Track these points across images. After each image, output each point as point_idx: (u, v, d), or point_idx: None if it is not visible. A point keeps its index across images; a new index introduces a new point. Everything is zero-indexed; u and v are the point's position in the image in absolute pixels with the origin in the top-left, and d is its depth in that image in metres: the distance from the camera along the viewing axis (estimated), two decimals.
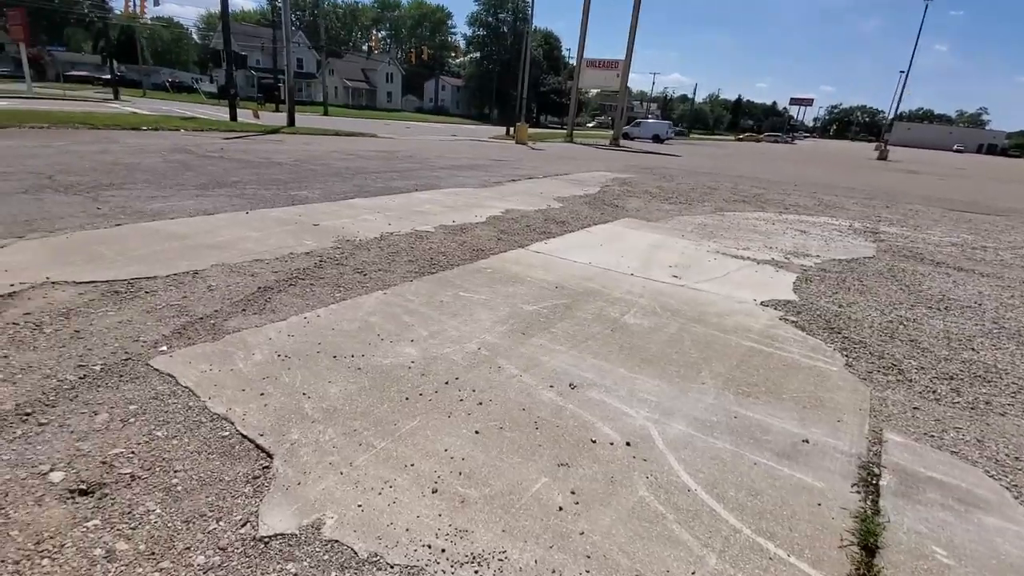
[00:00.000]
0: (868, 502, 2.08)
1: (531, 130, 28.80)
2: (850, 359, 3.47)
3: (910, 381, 3.23)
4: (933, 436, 2.62)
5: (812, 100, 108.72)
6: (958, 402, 3.01)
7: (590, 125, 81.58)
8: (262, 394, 2.50)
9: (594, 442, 2.35)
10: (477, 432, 2.36)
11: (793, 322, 4.09)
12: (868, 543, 1.84)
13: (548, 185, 10.97)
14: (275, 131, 18.39)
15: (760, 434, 2.52)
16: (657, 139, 41.74)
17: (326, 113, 41.64)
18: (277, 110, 34.48)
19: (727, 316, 4.09)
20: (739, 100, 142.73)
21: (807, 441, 2.47)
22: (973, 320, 4.46)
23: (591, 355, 3.25)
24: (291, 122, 21.44)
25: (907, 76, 48.48)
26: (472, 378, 2.84)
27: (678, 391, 2.88)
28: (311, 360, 2.88)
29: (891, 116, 57.49)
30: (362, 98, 77.75)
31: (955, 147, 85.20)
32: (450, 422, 2.42)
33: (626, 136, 36.72)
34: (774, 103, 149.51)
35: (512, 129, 30.62)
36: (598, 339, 3.49)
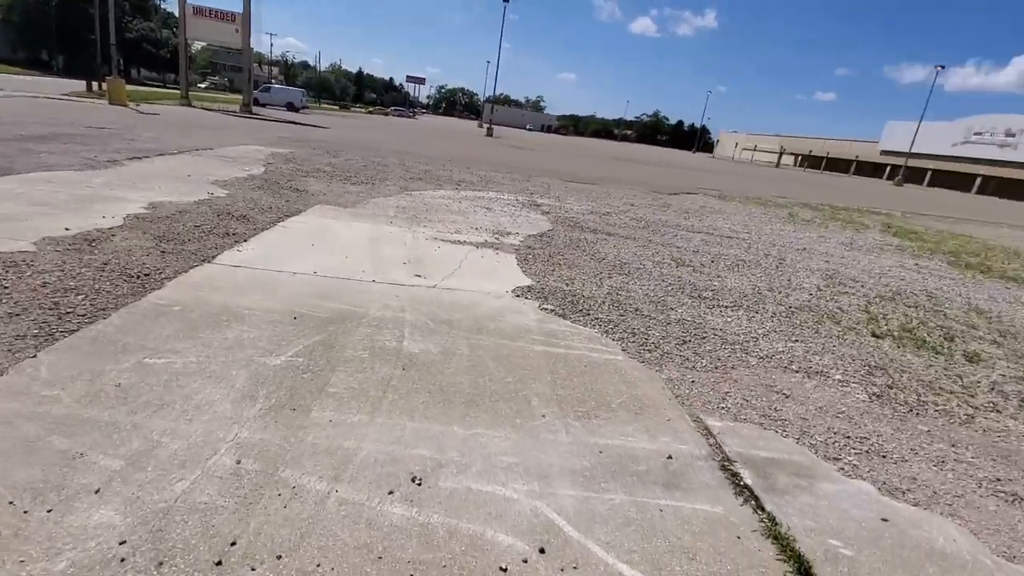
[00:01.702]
0: (759, 511, 2.10)
1: (127, 87, 22.11)
2: (621, 343, 3.66)
3: (665, 353, 3.62)
4: (726, 410, 2.93)
5: (425, 79, 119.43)
6: (706, 365, 3.51)
7: (202, 86, 69.23)
8: None
9: (505, 571, 1.66)
10: None
11: (553, 311, 4.10)
12: (801, 570, 1.81)
13: (195, 164, 8.47)
14: None
15: (633, 464, 2.29)
16: (292, 107, 38.52)
17: None
18: None
19: (500, 318, 3.79)
20: (360, 73, 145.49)
21: (671, 457, 2.38)
22: (650, 281, 5.45)
23: (406, 416, 2.42)
24: None
25: (498, 67, 58.58)
26: (248, 534, 1.68)
27: (530, 439, 2.39)
28: None
29: (484, 99, 68.92)
30: None
31: (527, 126, 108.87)
32: None
33: (256, 103, 32.50)
34: (391, 79, 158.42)
35: (100, 85, 22.98)
36: (397, 389, 2.65)
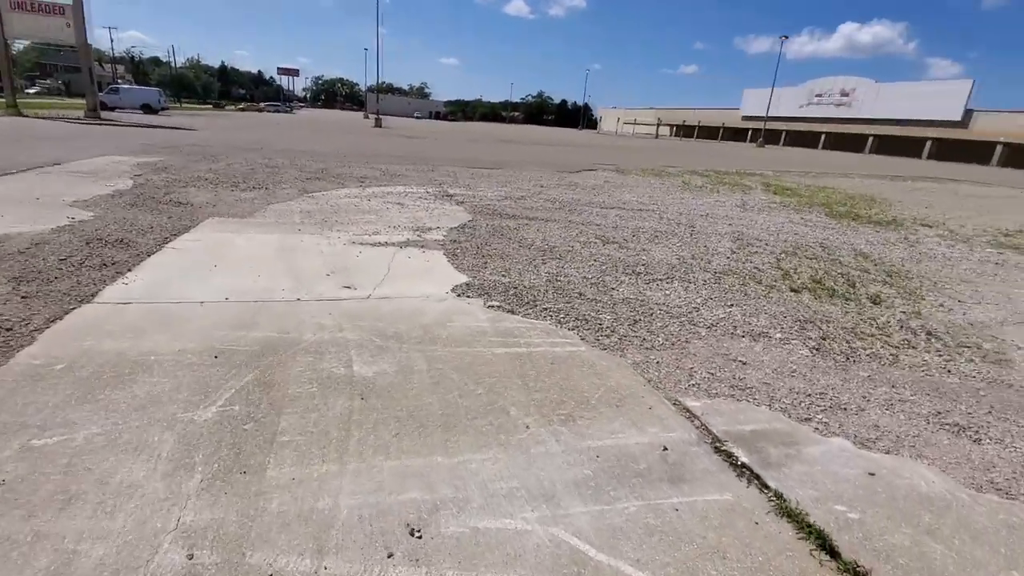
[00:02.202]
0: (764, 490, 2.08)
1: None
2: (577, 332, 3.56)
3: (622, 336, 3.58)
4: (698, 387, 2.93)
5: (299, 71, 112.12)
6: (663, 343, 3.52)
7: (31, 91, 59.59)
8: None
9: None
10: None
11: (500, 307, 3.91)
12: (824, 544, 1.81)
13: (43, 184, 7.15)
14: None
15: (633, 464, 2.19)
16: (149, 109, 34.31)
17: None
18: None
19: (449, 323, 3.53)
20: (224, 67, 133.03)
21: (666, 449, 2.30)
22: (582, 263, 5.42)
23: (380, 455, 2.13)
24: None
25: (379, 54, 56.15)
26: None
27: (521, 456, 2.20)
28: None
29: (366, 88, 66.01)
30: None
31: (415, 114, 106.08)
32: None
33: (104, 107, 28.51)
34: (260, 72, 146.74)
35: None
36: (361, 423, 2.34)
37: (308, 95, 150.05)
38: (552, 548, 1.72)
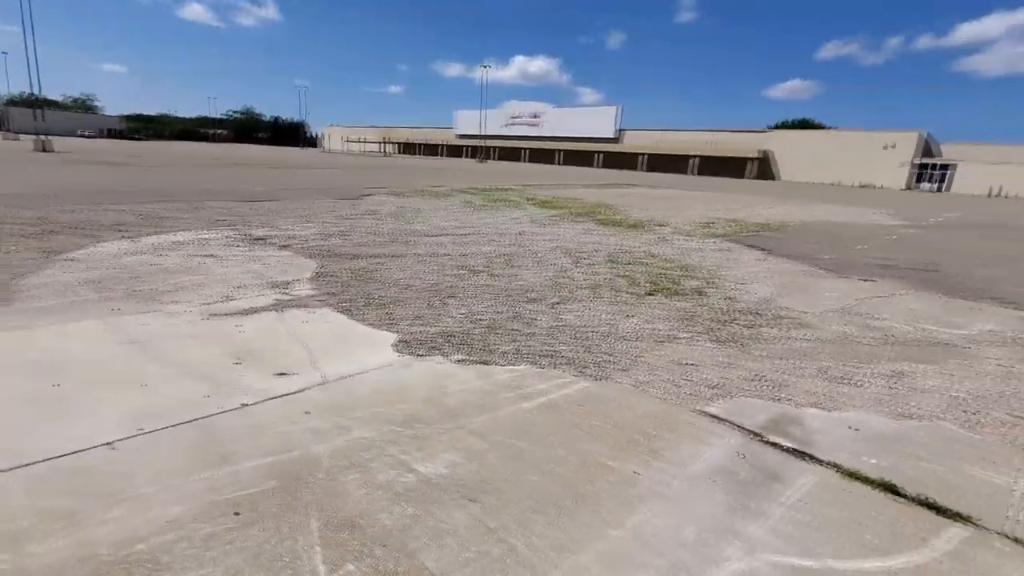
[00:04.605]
0: (833, 467, 2.66)
1: None
2: (562, 370, 3.69)
3: (598, 363, 3.86)
4: (694, 395, 3.42)
5: None
6: (626, 363, 3.93)
7: None
8: None
9: None
10: None
11: (468, 360, 3.75)
12: (897, 492, 2.46)
13: None
14: None
15: (732, 472, 2.52)
16: None
17: None
18: None
19: (445, 390, 3.25)
20: None
21: (741, 455, 2.70)
22: (478, 296, 5.46)
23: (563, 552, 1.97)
24: None
25: (33, 57, 42.34)
26: None
27: (656, 504, 2.31)
28: None
29: (4, 102, 49.66)
30: None
31: (84, 132, 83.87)
32: None
33: None
34: None
35: None
36: (488, 530, 2.09)
37: None
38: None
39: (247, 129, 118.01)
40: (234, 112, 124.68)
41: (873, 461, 2.71)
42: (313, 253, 6.97)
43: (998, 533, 2.23)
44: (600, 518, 2.19)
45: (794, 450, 2.79)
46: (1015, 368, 4.20)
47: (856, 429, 3.05)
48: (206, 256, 6.43)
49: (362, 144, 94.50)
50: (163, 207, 10.27)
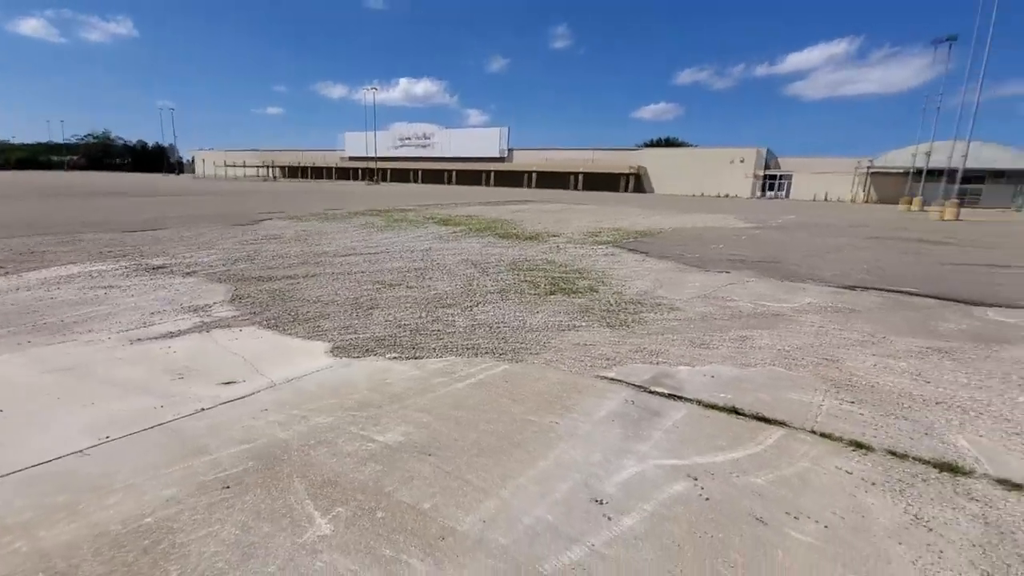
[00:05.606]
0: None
1: None
2: (482, 357, 4.29)
3: (515, 350, 4.50)
4: (595, 365, 4.18)
5: None
6: (537, 348, 4.62)
7: None
8: None
9: None
10: None
11: (402, 357, 4.22)
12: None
13: None
14: None
15: (625, 413, 3.27)
16: None
17: None
18: None
19: (387, 381, 3.71)
20: None
21: (629, 401, 3.47)
22: (397, 307, 5.90)
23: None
24: None
25: None
26: None
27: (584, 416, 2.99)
28: None
29: None
30: None
31: None
32: None
33: None
34: None
35: None
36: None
37: None
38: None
39: (102, 155, 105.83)
40: (86, 136, 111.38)
41: (723, 395, 3.63)
42: (223, 278, 6.96)
43: (805, 430, 3.18)
44: (530, 455, 2.81)
45: (669, 395, 3.62)
46: (825, 327, 5.51)
47: (713, 377, 3.99)
48: (106, 287, 6.22)
49: (243, 168, 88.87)
50: (33, 241, 9.43)
